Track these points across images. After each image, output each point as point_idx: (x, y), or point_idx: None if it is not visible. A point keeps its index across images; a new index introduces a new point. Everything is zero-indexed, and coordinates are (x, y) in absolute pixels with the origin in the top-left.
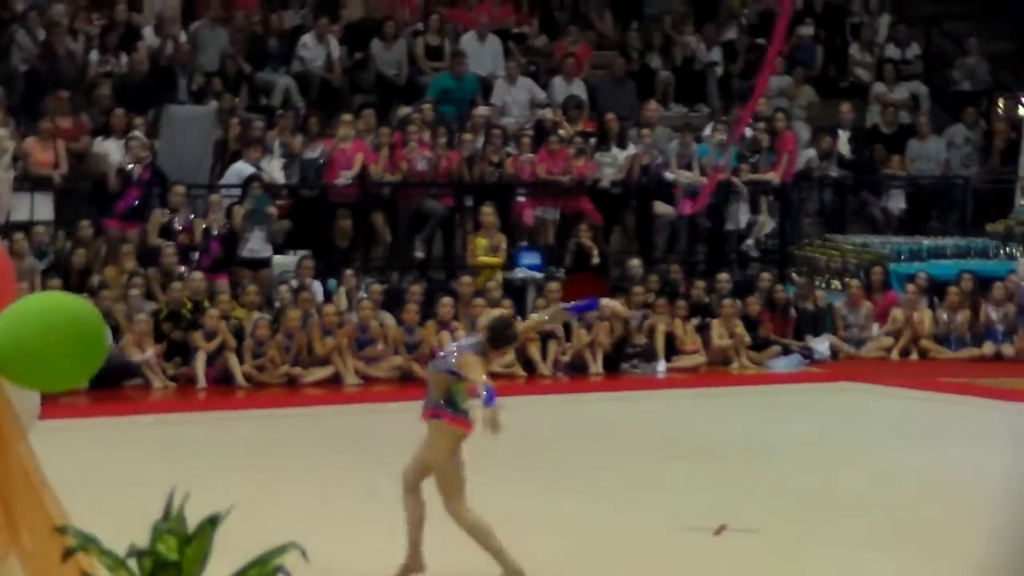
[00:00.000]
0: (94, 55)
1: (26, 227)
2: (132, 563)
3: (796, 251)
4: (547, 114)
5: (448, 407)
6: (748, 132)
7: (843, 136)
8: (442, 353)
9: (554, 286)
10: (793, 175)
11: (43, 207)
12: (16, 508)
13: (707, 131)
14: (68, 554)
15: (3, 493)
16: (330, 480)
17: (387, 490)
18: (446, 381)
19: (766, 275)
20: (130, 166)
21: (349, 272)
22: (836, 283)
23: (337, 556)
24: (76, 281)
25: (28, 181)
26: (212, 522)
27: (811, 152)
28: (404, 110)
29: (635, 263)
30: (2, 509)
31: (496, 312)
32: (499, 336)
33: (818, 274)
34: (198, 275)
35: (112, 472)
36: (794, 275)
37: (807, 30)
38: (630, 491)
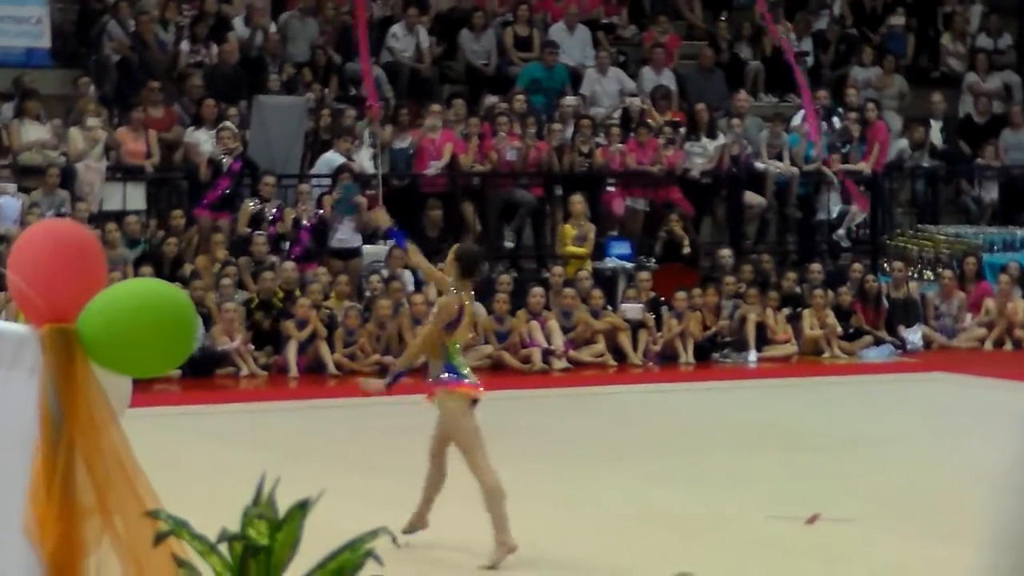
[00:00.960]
0: (185, 45)
1: (118, 217)
2: (223, 548)
3: (888, 241)
4: (636, 103)
5: (450, 374)
6: (837, 122)
7: (935, 126)
8: None
9: (644, 275)
10: (885, 165)
11: (135, 197)
12: (109, 493)
13: (796, 120)
14: (160, 538)
15: (96, 478)
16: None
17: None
18: (440, 341)
19: (858, 265)
20: (221, 156)
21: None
22: (929, 273)
23: (424, 543)
24: (167, 270)
25: (120, 171)
26: (302, 507)
27: (903, 142)
28: (491, 99)
29: (726, 253)
30: (95, 494)
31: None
32: (469, 265)
33: (910, 264)
34: (290, 265)
35: (202, 459)
36: (886, 265)
37: (898, 19)
38: (722, 480)
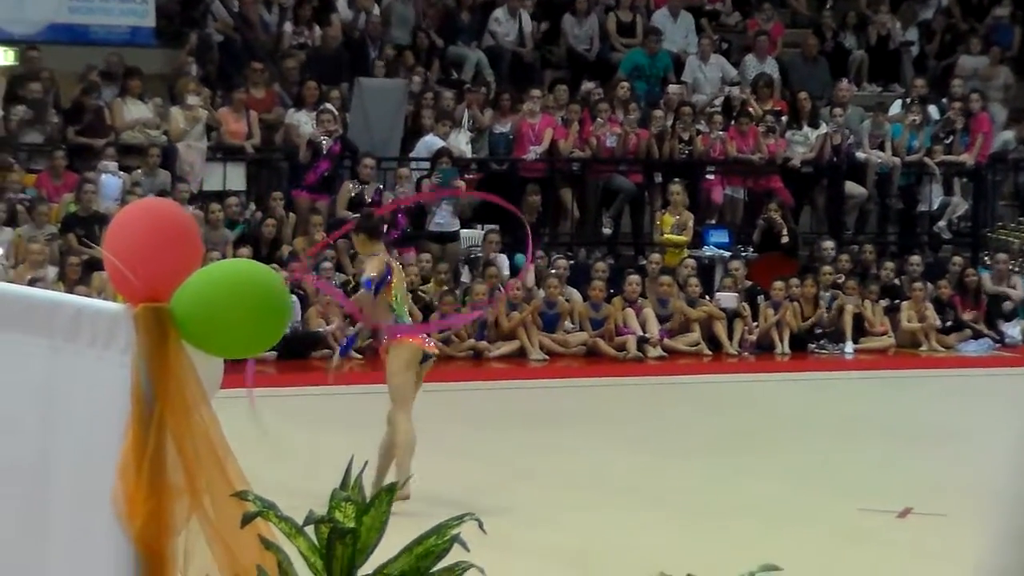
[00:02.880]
0: (288, 27)
1: (219, 197)
2: (310, 530)
3: (989, 234)
4: (735, 92)
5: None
6: (935, 113)
7: None
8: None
9: (737, 265)
10: (988, 157)
11: (235, 177)
12: (198, 473)
13: (896, 110)
14: (247, 520)
15: (186, 458)
16: (506, 455)
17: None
18: (383, 303)
19: (958, 258)
20: (321, 138)
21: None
22: None
23: (512, 529)
24: (266, 251)
25: (221, 151)
26: (390, 491)
27: (1008, 134)
28: (588, 85)
29: (828, 244)
30: (184, 474)
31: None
32: (370, 228)
33: (1012, 257)
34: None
35: (296, 441)
36: (986, 258)
37: (1004, 11)
38: (814, 472)
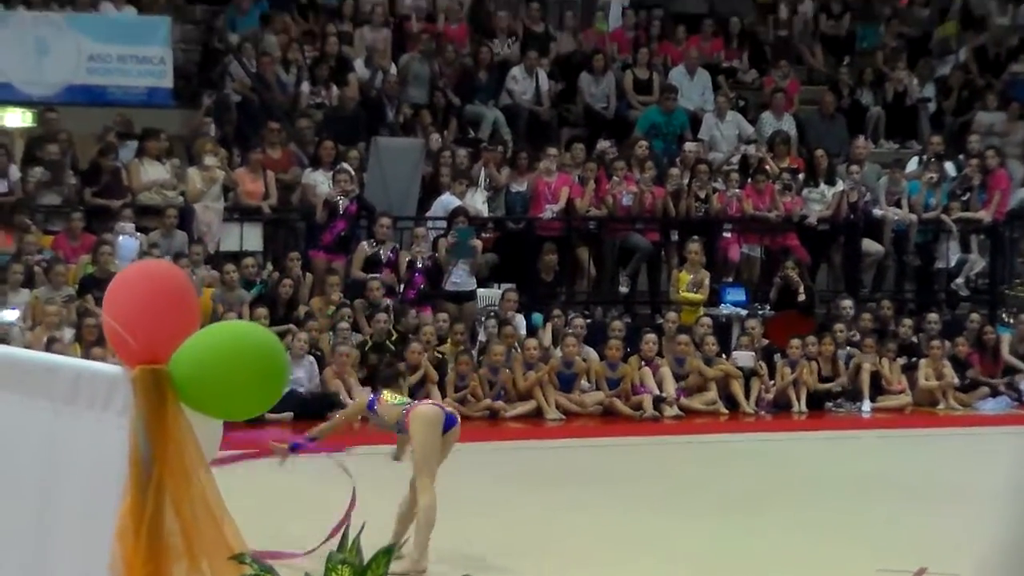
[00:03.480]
0: (305, 86)
1: (235, 257)
2: None
3: (1007, 291)
4: (751, 150)
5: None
6: (951, 169)
7: None
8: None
9: (753, 323)
10: (1006, 214)
11: (252, 238)
12: (196, 536)
13: (913, 167)
14: None
15: (184, 520)
16: (523, 515)
17: (580, 523)
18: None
19: (975, 315)
20: (337, 198)
21: (557, 312)
22: None
23: None
24: (283, 312)
25: (238, 211)
26: (387, 553)
27: None
28: (603, 144)
29: (846, 303)
30: (183, 536)
31: None
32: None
33: None
34: (409, 311)
35: (309, 500)
36: (1004, 315)
37: (1020, 66)
38: (831, 530)
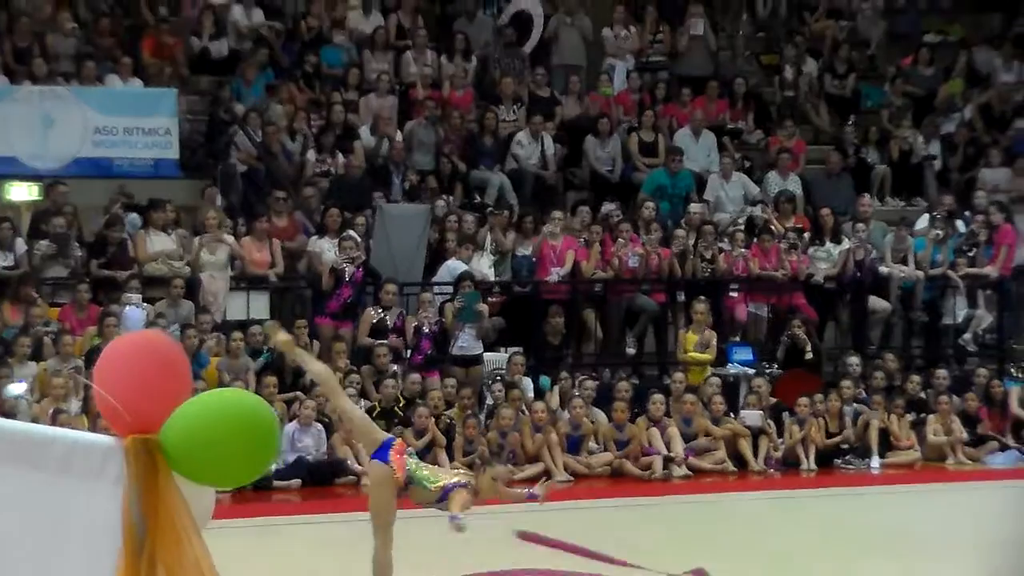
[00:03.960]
0: (311, 155)
1: (242, 326)
2: None
3: (1015, 346)
4: (756, 211)
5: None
6: (961, 227)
7: None
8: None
9: (759, 382)
10: (1012, 269)
11: (259, 306)
12: None
13: (921, 224)
14: None
15: None
16: None
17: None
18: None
19: (983, 370)
20: (343, 265)
21: (564, 374)
22: None
23: None
24: (290, 380)
25: (244, 280)
26: None
27: None
28: (608, 206)
29: (853, 360)
30: None
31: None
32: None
33: None
34: (416, 377)
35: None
36: (1012, 370)
37: None
38: None
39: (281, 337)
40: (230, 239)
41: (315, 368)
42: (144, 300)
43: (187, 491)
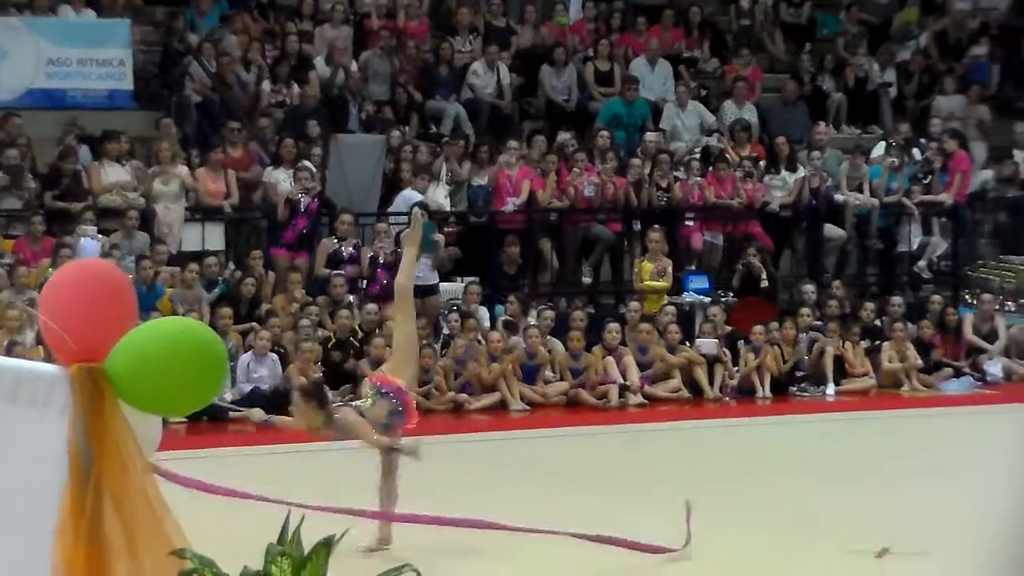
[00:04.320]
0: (266, 85)
1: (197, 257)
2: None
3: (970, 273)
4: (712, 141)
5: None
6: (917, 154)
7: (1019, 156)
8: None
9: (715, 311)
10: (967, 196)
11: (214, 237)
12: (137, 533)
13: (876, 152)
14: None
15: (124, 518)
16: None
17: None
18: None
19: (937, 297)
20: (298, 196)
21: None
22: (1011, 305)
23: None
24: (245, 310)
25: (199, 212)
26: (326, 545)
27: (987, 173)
28: (564, 136)
29: (809, 288)
30: (124, 535)
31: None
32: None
33: (992, 295)
34: (371, 306)
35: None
36: (967, 297)
37: (981, 50)
38: (795, 514)
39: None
40: (184, 170)
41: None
42: (99, 232)
43: (133, 420)
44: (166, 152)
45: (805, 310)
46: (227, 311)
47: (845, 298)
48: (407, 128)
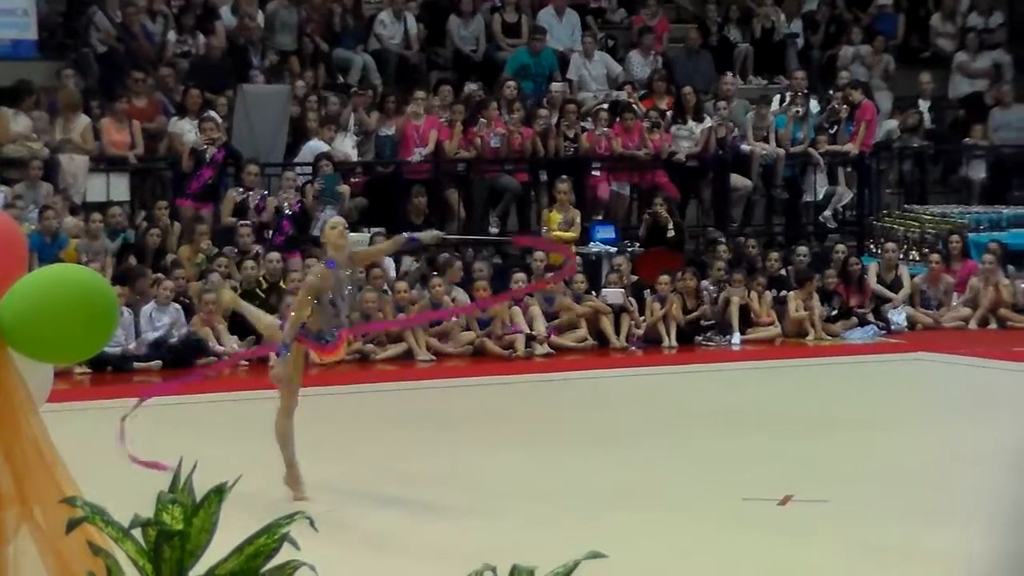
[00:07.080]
0: (171, 35)
1: (102, 208)
2: (138, 534)
3: (875, 222)
4: (623, 96)
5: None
6: (814, 106)
7: (923, 106)
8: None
9: (620, 260)
10: (872, 145)
11: (119, 188)
12: (28, 482)
13: (778, 103)
14: (72, 526)
15: (14, 466)
16: (392, 456)
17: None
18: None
19: (841, 246)
20: (203, 146)
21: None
22: (915, 254)
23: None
24: (150, 261)
25: (104, 162)
26: (219, 492)
27: (892, 123)
28: (471, 86)
29: (717, 236)
30: (14, 483)
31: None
32: None
33: (896, 244)
34: (275, 255)
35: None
36: (872, 246)
37: (886, 0)
38: (700, 461)
39: (226, 296)
40: (87, 120)
41: (264, 322)
42: (2, 182)
43: (24, 368)
44: (71, 102)
45: (720, 263)
46: (132, 262)
47: (756, 253)
48: (313, 77)
